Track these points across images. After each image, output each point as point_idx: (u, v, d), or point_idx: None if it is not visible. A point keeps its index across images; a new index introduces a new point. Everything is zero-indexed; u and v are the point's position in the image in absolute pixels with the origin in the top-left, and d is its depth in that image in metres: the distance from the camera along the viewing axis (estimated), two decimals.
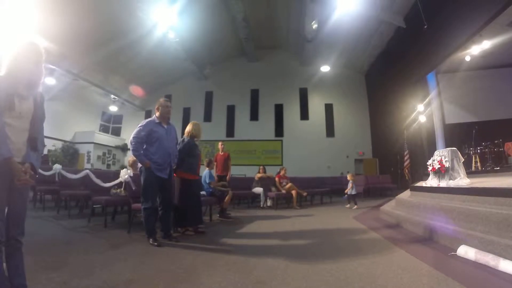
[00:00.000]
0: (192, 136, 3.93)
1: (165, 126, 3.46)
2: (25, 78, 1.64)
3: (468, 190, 3.38)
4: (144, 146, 3.33)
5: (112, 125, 17.92)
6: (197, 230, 3.84)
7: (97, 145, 15.45)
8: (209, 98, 17.33)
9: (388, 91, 12.41)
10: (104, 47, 11.74)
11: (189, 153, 3.76)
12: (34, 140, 1.64)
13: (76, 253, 2.76)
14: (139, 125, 3.38)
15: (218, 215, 5.30)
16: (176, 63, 14.87)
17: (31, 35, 8.59)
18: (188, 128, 3.98)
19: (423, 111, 10.13)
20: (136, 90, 15.91)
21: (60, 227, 4.19)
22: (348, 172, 8.61)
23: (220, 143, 6.85)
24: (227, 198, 5.41)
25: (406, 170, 10.36)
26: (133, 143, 3.27)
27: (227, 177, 6.32)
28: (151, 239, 3.15)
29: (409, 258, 2.48)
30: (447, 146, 6.62)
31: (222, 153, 6.57)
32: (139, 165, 3.35)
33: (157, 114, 3.47)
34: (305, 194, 7.59)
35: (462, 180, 3.88)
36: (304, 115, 16.46)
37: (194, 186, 3.92)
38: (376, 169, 14.72)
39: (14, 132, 1.55)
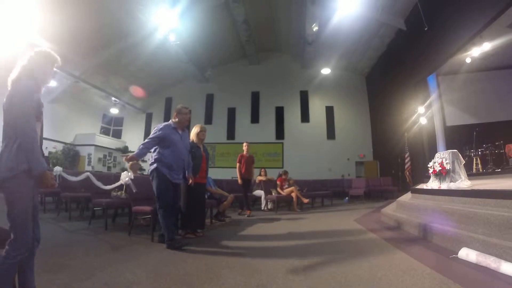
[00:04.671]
0: (191, 139, 4.03)
1: (180, 132, 3.47)
2: (43, 87, 1.72)
3: (469, 192, 3.37)
4: (158, 149, 3.30)
5: (113, 127, 17.97)
6: (197, 233, 3.84)
7: (98, 147, 15.47)
8: (210, 101, 17.36)
9: (389, 93, 12.40)
10: (105, 49, 11.80)
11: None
12: (42, 146, 1.71)
13: (76, 255, 2.76)
14: (155, 129, 3.34)
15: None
16: (177, 66, 14.90)
17: (32, 36, 8.67)
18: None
19: (424, 113, 10.10)
20: (137, 91, 15.94)
21: (61, 229, 4.20)
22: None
23: (244, 144, 6.56)
24: (226, 202, 5.40)
25: (407, 173, 10.32)
26: (141, 147, 3.23)
27: (252, 179, 6.38)
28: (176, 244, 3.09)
29: (410, 261, 2.47)
30: (448, 148, 6.59)
31: (248, 155, 6.48)
32: (150, 168, 3.29)
33: (175, 120, 3.47)
34: (306, 201, 7.46)
35: (463, 182, 3.86)
36: (305, 117, 16.45)
37: (198, 190, 3.91)
38: (377, 172, 14.67)
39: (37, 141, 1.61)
